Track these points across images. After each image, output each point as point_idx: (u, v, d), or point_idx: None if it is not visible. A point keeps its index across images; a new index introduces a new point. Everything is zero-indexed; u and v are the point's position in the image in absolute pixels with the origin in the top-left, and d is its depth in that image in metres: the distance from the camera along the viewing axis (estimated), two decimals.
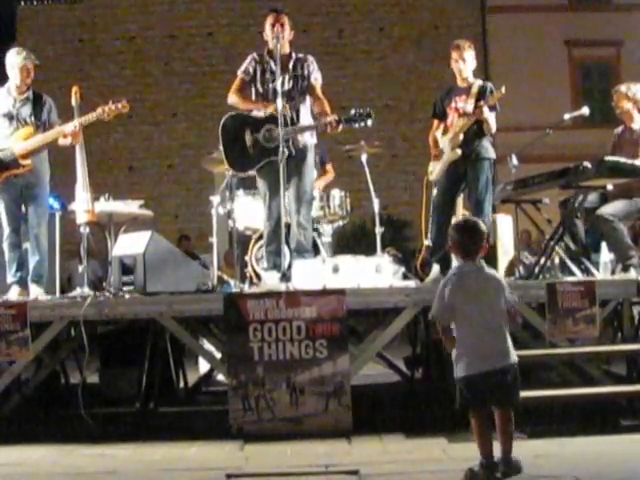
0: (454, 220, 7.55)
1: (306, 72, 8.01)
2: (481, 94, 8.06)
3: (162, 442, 6.91)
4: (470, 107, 8.03)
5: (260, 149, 7.88)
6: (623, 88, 8.43)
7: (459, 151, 8.01)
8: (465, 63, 8.18)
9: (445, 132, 8.26)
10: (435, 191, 8.40)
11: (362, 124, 7.79)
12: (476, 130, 8.03)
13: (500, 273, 7.23)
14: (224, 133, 8.08)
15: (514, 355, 5.27)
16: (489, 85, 8.20)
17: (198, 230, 16.70)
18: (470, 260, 5.38)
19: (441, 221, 8.23)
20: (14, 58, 8.05)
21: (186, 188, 22.13)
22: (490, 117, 7.95)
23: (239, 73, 8.13)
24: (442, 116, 8.37)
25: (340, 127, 7.78)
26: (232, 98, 8.10)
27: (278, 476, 5.66)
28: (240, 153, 7.97)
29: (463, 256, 5.41)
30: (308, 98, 8.06)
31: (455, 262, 8.29)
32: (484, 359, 5.19)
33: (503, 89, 7.86)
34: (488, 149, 8.16)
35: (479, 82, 8.22)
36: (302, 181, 7.95)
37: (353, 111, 7.82)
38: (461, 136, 8.02)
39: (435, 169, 8.36)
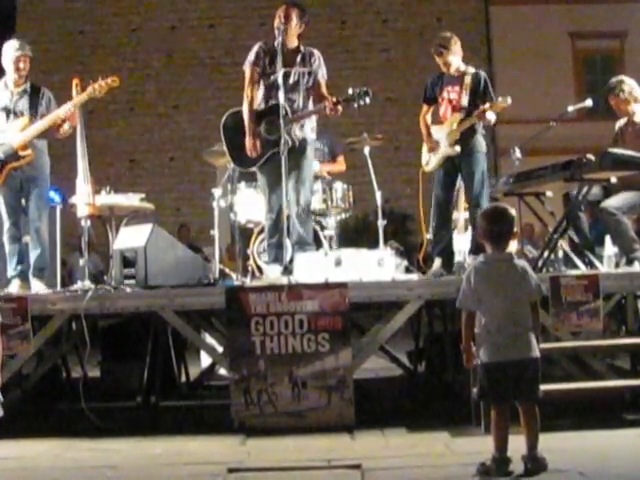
0: (484, 209, 7.46)
1: (313, 68, 7.97)
2: (476, 85, 8.06)
3: (163, 436, 6.89)
4: (465, 100, 8.06)
5: (262, 142, 7.86)
6: (621, 95, 8.36)
7: (458, 148, 8.02)
8: (450, 65, 8.17)
9: (439, 123, 8.26)
10: (434, 184, 8.39)
11: (361, 103, 7.76)
12: (471, 125, 8.04)
13: None
14: (225, 131, 8.09)
15: (536, 350, 5.22)
16: (483, 75, 8.20)
17: (199, 223, 16.67)
18: (500, 249, 5.34)
19: (441, 215, 8.24)
20: (6, 51, 8.02)
21: (188, 181, 22.08)
22: (492, 117, 7.95)
23: (250, 65, 8.00)
24: (432, 101, 8.41)
25: (339, 108, 7.75)
26: (246, 98, 7.98)
27: (280, 470, 5.63)
28: (243, 149, 7.95)
29: (493, 244, 5.35)
30: (313, 94, 8.03)
31: (458, 257, 8.36)
32: (505, 349, 5.15)
33: (509, 99, 7.81)
34: (482, 143, 8.20)
35: (471, 70, 8.20)
36: (301, 174, 7.92)
37: (350, 90, 7.78)
38: (459, 133, 8.01)
39: (431, 161, 8.35)
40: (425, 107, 8.49)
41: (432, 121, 8.47)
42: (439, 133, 8.26)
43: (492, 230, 5.35)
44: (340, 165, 10.02)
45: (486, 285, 5.24)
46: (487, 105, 7.90)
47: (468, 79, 8.10)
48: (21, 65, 7.97)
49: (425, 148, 8.47)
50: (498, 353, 5.17)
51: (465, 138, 8.05)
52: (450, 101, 8.16)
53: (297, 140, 7.89)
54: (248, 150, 7.86)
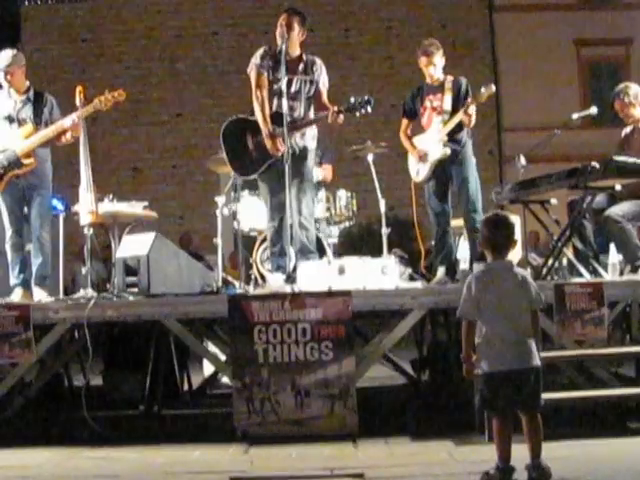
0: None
1: (315, 77, 7.96)
2: (457, 89, 8.12)
3: (166, 445, 6.87)
4: (448, 104, 8.12)
5: (263, 151, 7.84)
6: (626, 99, 8.37)
7: (448, 150, 8.05)
8: (435, 67, 8.20)
9: (422, 131, 8.28)
10: (427, 194, 8.38)
11: (362, 111, 7.76)
12: (458, 128, 8.08)
13: None
14: (225, 139, 8.07)
15: (537, 358, 5.18)
16: (463, 80, 8.26)
17: (203, 231, 16.65)
18: (500, 257, 5.30)
19: (440, 224, 8.24)
20: None
21: (191, 189, 22.07)
22: (474, 111, 7.98)
23: (256, 67, 7.98)
24: (413, 115, 8.46)
25: (341, 117, 7.74)
26: (256, 100, 7.91)
27: (283, 479, 5.61)
28: (243, 157, 7.95)
29: (494, 252, 5.31)
30: (314, 102, 8.02)
31: (463, 265, 8.34)
32: (506, 358, 5.11)
33: (493, 87, 7.94)
34: (471, 149, 8.24)
35: (449, 77, 8.26)
36: (303, 182, 7.91)
37: (352, 99, 7.77)
38: (446, 134, 8.03)
39: (421, 171, 8.33)
40: (405, 122, 8.56)
41: (413, 134, 8.50)
42: (425, 141, 8.28)
43: (492, 238, 5.33)
44: (324, 173, 9.92)
45: (486, 294, 5.21)
46: (472, 99, 7.95)
47: (449, 85, 8.17)
48: (8, 77, 7.97)
49: (411, 159, 8.49)
50: (499, 362, 5.13)
51: (455, 144, 8.07)
52: (434, 108, 8.21)
53: (298, 148, 7.88)
54: (270, 151, 7.80)
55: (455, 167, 8.12)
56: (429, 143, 8.21)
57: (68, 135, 7.94)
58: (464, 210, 8.21)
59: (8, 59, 7.97)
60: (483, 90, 7.98)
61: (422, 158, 8.26)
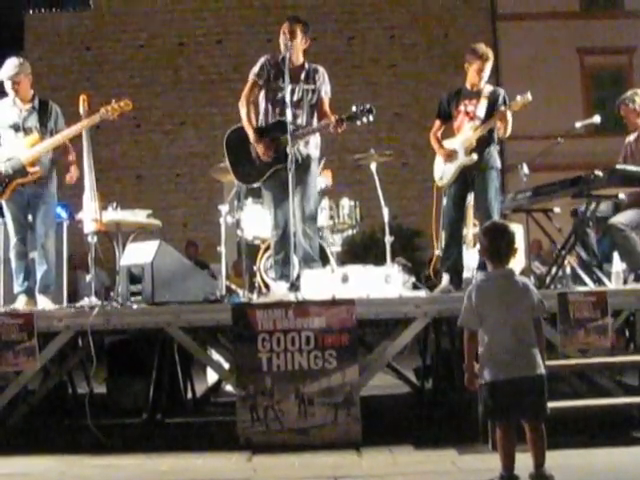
0: (483, 225, 7.42)
1: (317, 85, 7.96)
2: (494, 98, 8.00)
3: (169, 453, 6.86)
4: (482, 111, 7.95)
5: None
6: (631, 105, 8.37)
7: (475, 156, 7.89)
8: (485, 74, 8.09)
9: (453, 135, 8.19)
10: (445, 198, 8.32)
11: (364, 120, 7.74)
12: (486, 137, 7.97)
13: None
14: (229, 147, 8.07)
15: (541, 366, 5.16)
16: (502, 91, 8.12)
17: (206, 239, 16.67)
18: (500, 265, 5.29)
19: (452, 231, 8.17)
20: (3, 71, 8.02)
21: (194, 197, 22.12)
22: (510, 122, 7.87)
23: (252, 76, 8.01)
24: (447, 118, 8.30)
25: (343, 126, 7.73)
26: (242, 106, 7.97)
27: None
28: (246, 165, 7.94)
29: (494, 261, 5.31)
30: (316, 110, 8.02)
31: (466, 273, 8.32)
32: (509, 367, 5.09)
33: (529, 95, 7.75)
34: (496, 158, 8.11)
35: (489, 87, 8.14)
36: (306, 191, 7.89)
37: (354, 108, 7.75)
38: (475, 140, 7.93)
39: (445, 174, 8.22)
40: (438, 123, 8.35)
41: (444, 137, 8.38)
42: (454, 143, 8.13)
43: (492, 247, 5.32)
44: (327, 179, 9.91)
45: (487, 302, 5.20)
46: (506, 107, 7.84)
47: (486, 93, 8.03)
48: (15, 86, 7.99)
49: (438, 161, 8.30)
50: (502, 371, 5.11)
51: (481, 150, 7.97)
52: (467, 113, 8.05)
53: (301, 157, 7.88)
54: (262, 155, 7.82)
55: (477, 174, 7.99)
56: (457, 147, 8.10)
57: (72, 172, 7.99)
58: (479, 218, 8.17)
59: (15, 68, 7.99)
60: (519, 98, 7.81)
61: (450, 156, 8.10)
